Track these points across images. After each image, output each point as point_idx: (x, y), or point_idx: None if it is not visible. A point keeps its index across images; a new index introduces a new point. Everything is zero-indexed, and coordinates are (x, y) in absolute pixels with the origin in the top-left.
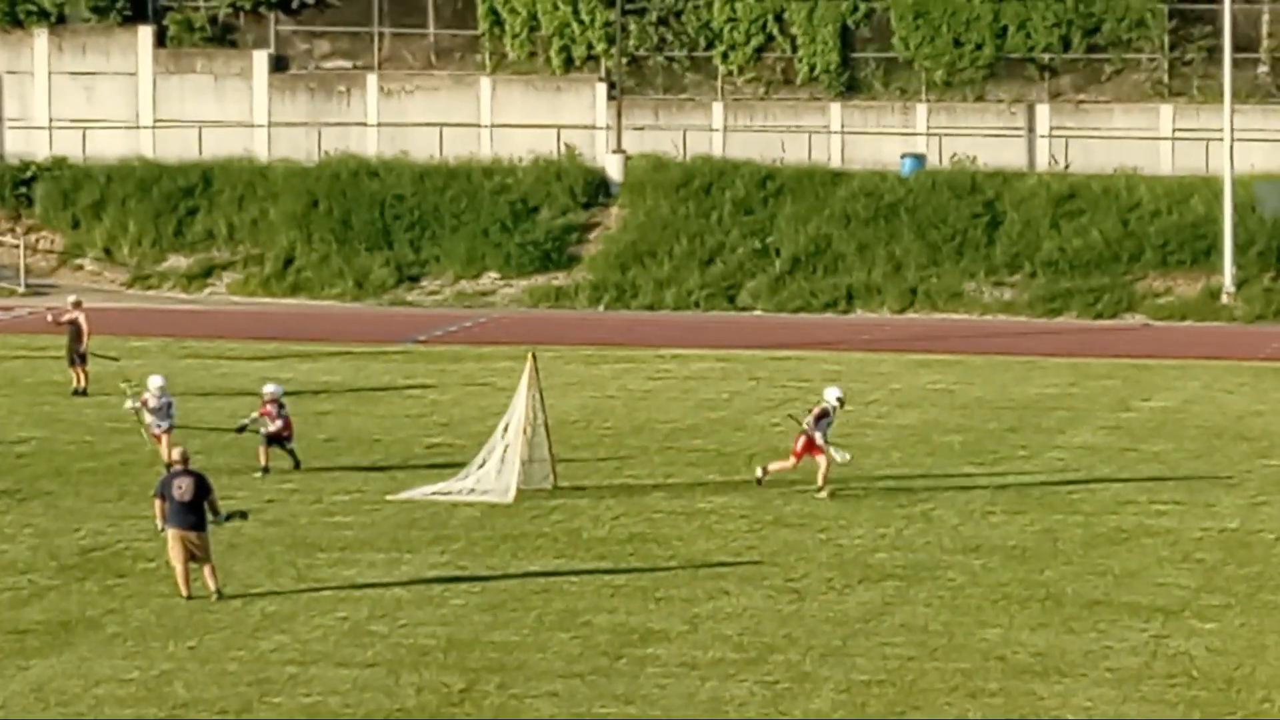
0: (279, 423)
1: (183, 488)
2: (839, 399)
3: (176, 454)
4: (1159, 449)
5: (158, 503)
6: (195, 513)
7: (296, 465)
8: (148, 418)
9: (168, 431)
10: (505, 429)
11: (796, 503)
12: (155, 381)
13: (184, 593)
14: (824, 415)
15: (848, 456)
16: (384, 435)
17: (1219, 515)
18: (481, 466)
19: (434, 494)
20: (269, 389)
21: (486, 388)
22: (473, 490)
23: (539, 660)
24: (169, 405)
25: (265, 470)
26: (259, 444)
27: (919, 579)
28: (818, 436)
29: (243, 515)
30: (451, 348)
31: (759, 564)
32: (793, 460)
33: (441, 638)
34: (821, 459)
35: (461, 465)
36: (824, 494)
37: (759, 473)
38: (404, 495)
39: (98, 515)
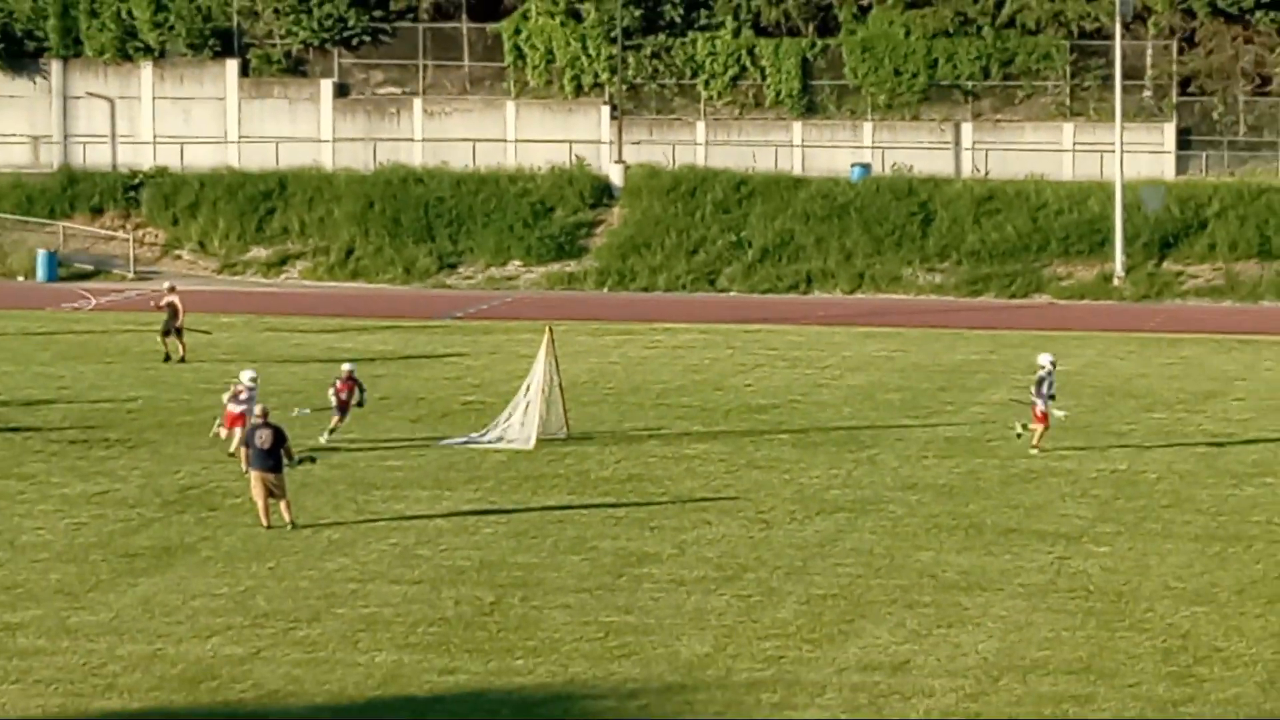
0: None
1: (263, 437)
2: (1051, 362)
3: (258, 410)
4: (1062, 404)
5: (243, 450)
6: (273, 458)
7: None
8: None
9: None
10: (527, 389)
11: (765, 449)
12: (248, 375)
13: (264, 523)
14: (1041, 381)
15: (1064, 414)
16: (427, 394)
17: (1111, 459)
18: (508, 419)
19: (469, 442)
20: (345, 367)
21: (511, 355)
22: (500, 439)
23: (555, 578)
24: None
25: (333, 431)
26: (331, 413)
27: (865, 511)
28: (1039, 404)
29: (312, 460)
30: (483, 323)
31: (735, 499)
32: (1040, 425)
33: (475, 560)
34: (1038, 427)
35: (491, 419)
36: (1035, 450)
37: (1034, 441)
38: (444, 443)
39: (194, 460)
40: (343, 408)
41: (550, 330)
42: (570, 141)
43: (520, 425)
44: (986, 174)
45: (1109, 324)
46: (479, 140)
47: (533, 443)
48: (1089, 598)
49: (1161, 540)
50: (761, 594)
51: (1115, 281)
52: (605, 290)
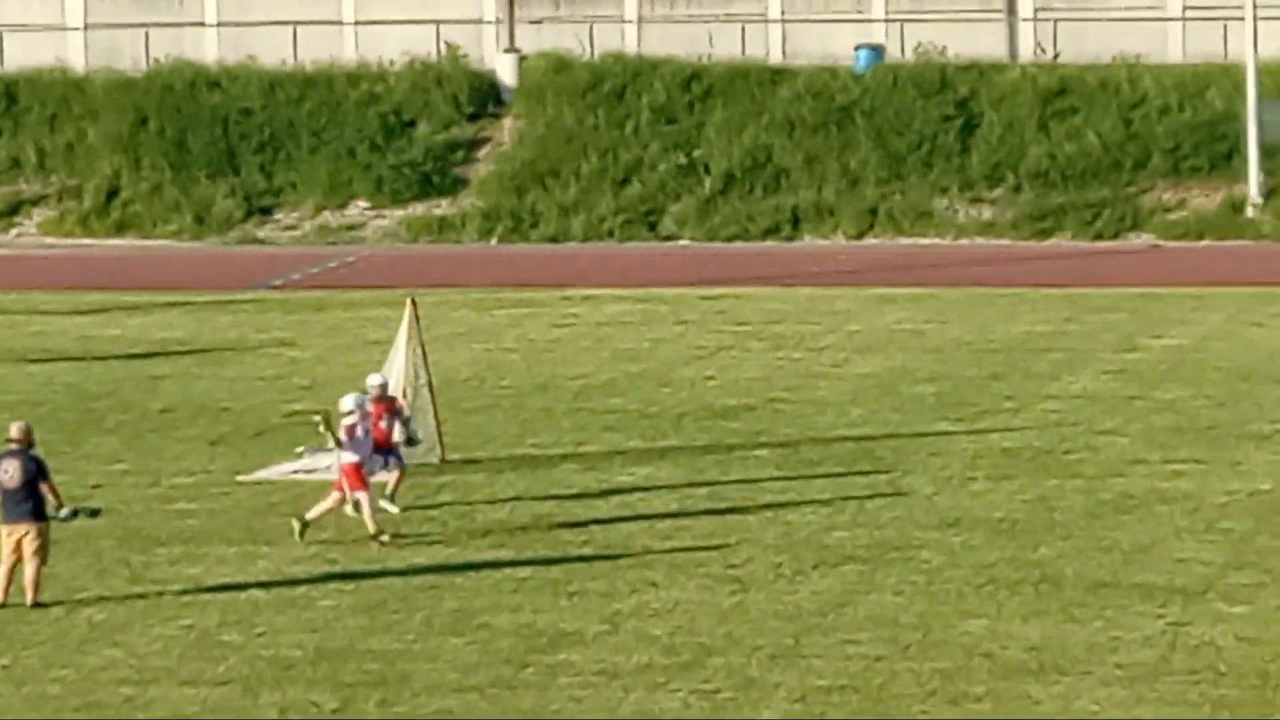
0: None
1: (10, 471)
2: None
3: (15, 430)
4: (1174, 396)
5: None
6: (30, 500)
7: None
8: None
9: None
10: None
11: (737, 471)
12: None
13: None
14: None
15: None
16: (233, 402)
17: (1248, 475)
18: None
19: (295, 473)
20: (373, 381)
21: (356, 342)
22: None
23: (428, 671)
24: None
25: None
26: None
27: (887, 561)
28: None
29: (93, 512)
30: (313, 294)
31: (692, 549)
32: None
33: (309, 647)
34: None
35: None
36: None
37: None
38: (259, 475)
39: None
40: (386, 447)
41: (413, 304)
42: (437, 22)
43: None
44: (1056, 56)
45: (1242, 274)
46: (301, 23)
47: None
48: (1219, 681)
49: None
50: (735, 688)
51: (1250, 211)
52: (493, 242)
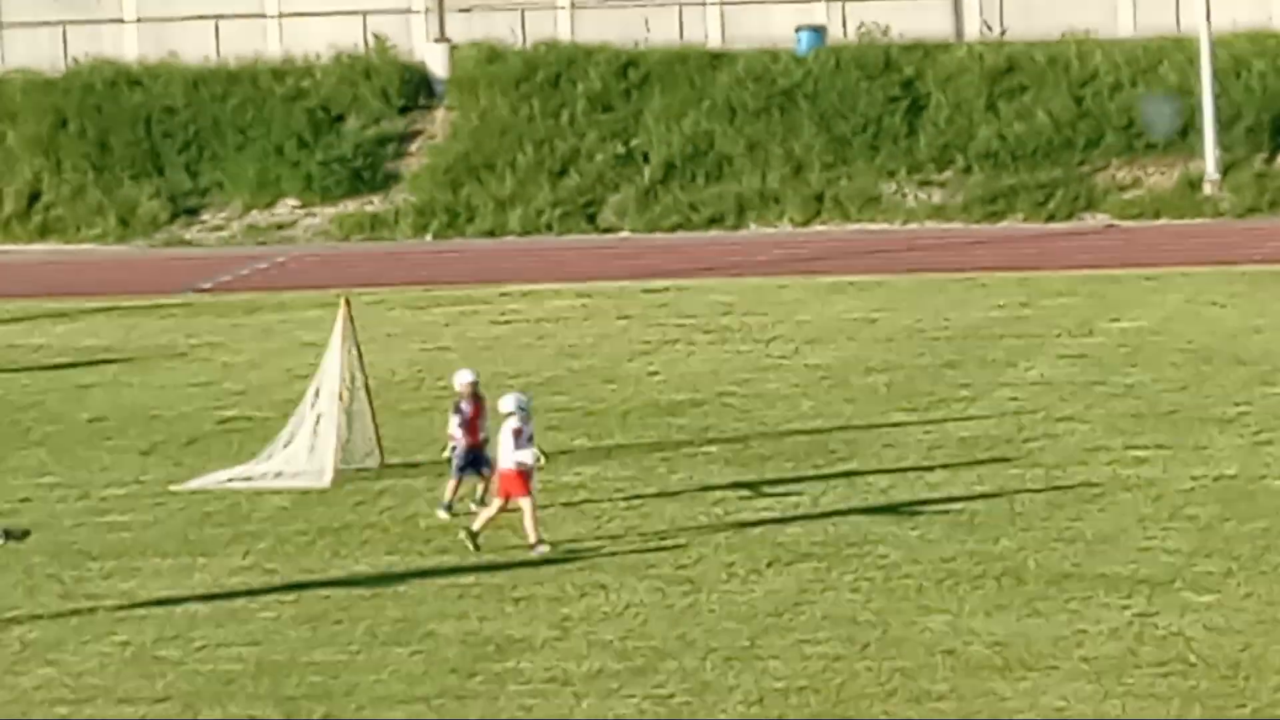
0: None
1: None
2: None
3: None
4: (1134, 380)
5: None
6: None
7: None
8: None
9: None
10: (316, 395)
11: (685, 469)
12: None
13: None
14: None
15: None
16: (165, 410)
17: (1213, 460)
18: (288, 444)
19: (231, 481)
20: (464, 378)
21: (290, 345)
22: (279, 474)
23: (373, 683)
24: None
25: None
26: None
27: (843, 558)
28: None
29: (19, 535)
30: (244, 296)
31: (642, 550)
32: None
33: (249, 661)
34: None
35: (264, 444)
36: None
37: None
38: (193, 484)
39: None
40: (479, 449)
41: (348, 304)
42: (364, 13)
43: (308, 452)
44: (1003, 33)
45: (1201, 254)
46: (223, 17)
47: (329, 477)
48: (1189, 673)
49: None
50: (690, 693)
51: (1207, 189)
52: (428, 238)
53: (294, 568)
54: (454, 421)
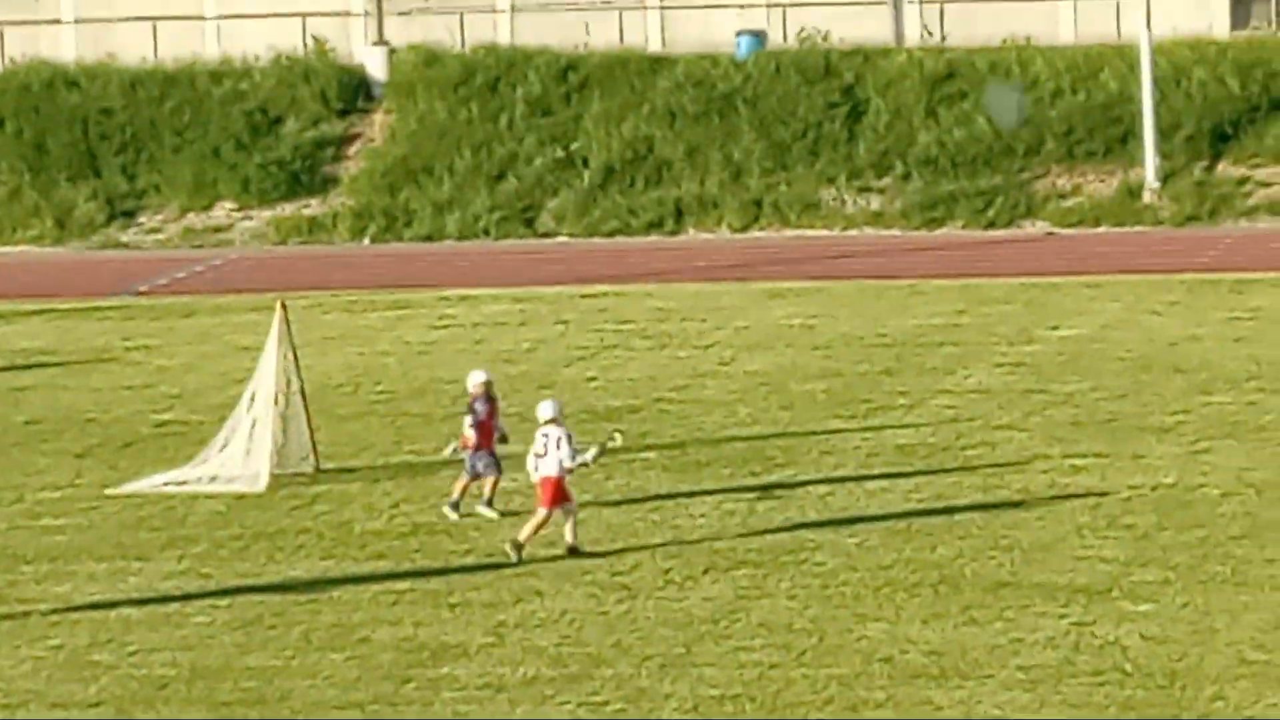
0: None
1: None
2: None
3: None
4: (1072, 389)
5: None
6: None
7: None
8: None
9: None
10: (252, 399)
11: (621, 475)
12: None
13: None
14: None
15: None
16: (99, 413)
17: (1150, 469)
18: (224, 448)
19: (166, 485)
20: (480, 376)
21: (226, 348)
22: (214, 478)
23: (306, 688)
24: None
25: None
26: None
27: (780, 565)
28: None
29: None
30: (180, 299)
31: (578, 556)
32: None
33: (183, 665)
34: None
35: (199, 447)
36: None
37: None
38: (128, 488)
39: None
40: (490, 448)
41: (284, 307)
42: (303, 15)
43: (244, 456)
44: (943, 39)
45: (1140, 262)
46: (161, 18)
47: (264, 482)
48: (1125, 682)
49: (1233, 590)
50: (625, 700)
51: (1147, 196)
52: (366, 242)
53: (229, 572)
54: (467, 422)
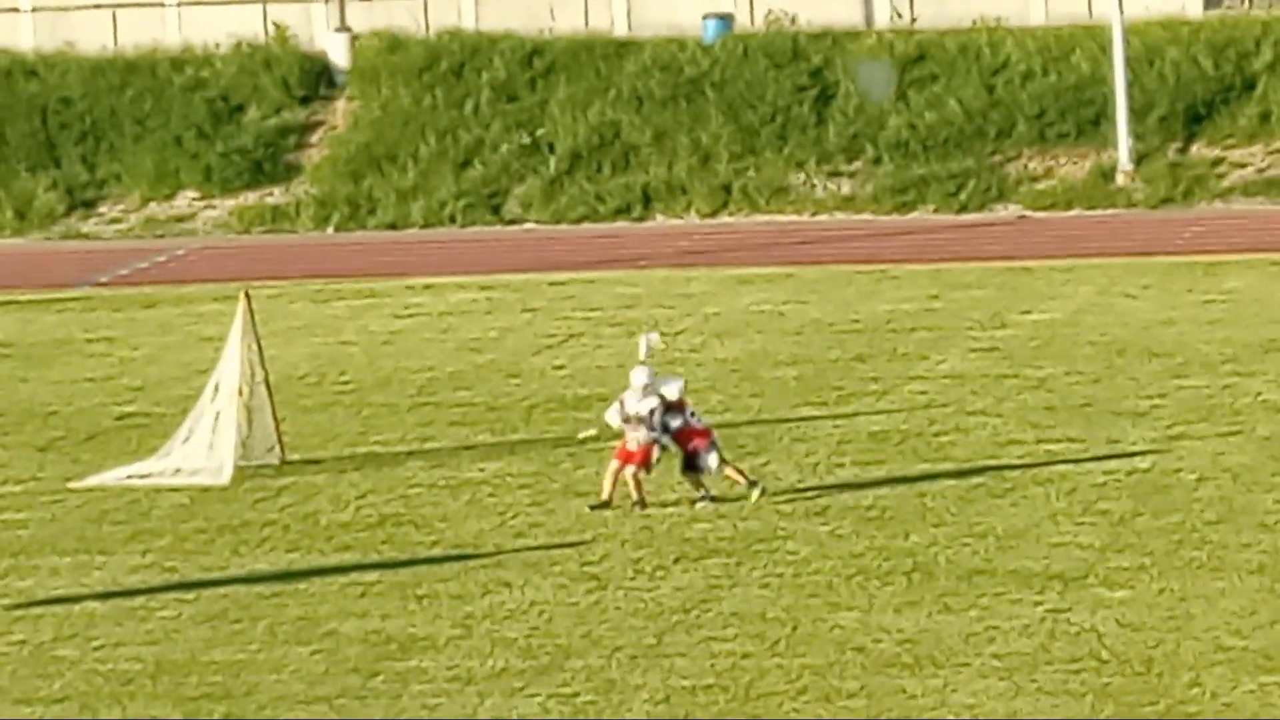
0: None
1: None
2: None
3: None
4: (1046, 373)
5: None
6: None
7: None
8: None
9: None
10: (215, 391)
11: (591, 465)
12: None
13: None
14: None
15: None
16: (61, 406)
17: (1126, 454)
18: (187, 440)
19: (129, 478)
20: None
21: (188, 339)
22: (178, 471)
23: (273, 682)
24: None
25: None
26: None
27: (751, 554)
28: None
29: None
30: (142, 289)
31: (547, 547)
32: None
33: (149, 660)
34: None
35: (163, 440)
36: None
37: None
38: (91, 481)
39: None
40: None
41: (247, 297)
42: (264, 2)
43: (208, 449)
44: (913, 21)
45: (1113, 245)
46: (121, 6)
47: (228, 474)
48: (1102, 670)
49: (1209, 576)
50: (595, 691)
51: (1120, 179)
52: (330, 230)
53: (193, 566)
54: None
